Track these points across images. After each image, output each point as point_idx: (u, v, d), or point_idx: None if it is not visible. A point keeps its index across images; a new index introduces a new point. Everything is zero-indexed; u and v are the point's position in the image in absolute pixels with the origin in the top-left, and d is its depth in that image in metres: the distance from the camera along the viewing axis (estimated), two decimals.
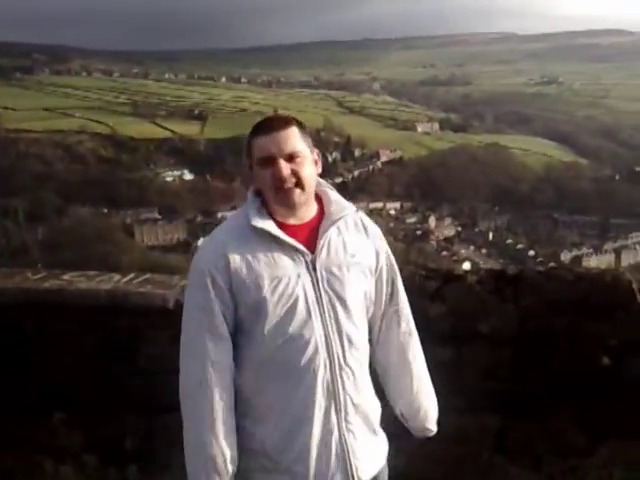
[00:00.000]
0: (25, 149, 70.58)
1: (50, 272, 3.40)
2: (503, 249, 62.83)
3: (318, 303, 1.85)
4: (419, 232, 64.69)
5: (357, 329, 1.93)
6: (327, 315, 1.86)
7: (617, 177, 77.37)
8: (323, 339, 1.85)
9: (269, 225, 1.86)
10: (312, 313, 1.84)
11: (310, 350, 1.83)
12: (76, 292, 3.13)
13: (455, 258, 55.16)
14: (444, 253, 58.60)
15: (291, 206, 1.88)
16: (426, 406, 2.11)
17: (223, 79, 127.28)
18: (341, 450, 1.88)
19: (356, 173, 77.83)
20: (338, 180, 76.80)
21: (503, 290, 2.91)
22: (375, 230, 2.04)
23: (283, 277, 1.82)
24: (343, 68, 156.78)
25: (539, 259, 53.58)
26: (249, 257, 1.83)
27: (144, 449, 3.14)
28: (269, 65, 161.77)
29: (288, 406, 1.85)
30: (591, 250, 60.17)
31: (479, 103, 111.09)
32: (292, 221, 1.90)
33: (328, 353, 1.86)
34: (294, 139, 1.89)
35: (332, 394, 1.87)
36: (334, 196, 1.97)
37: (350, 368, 1.89)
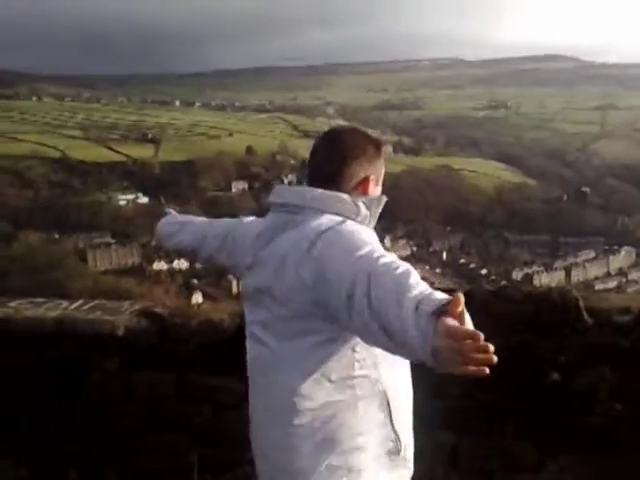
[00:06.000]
0: None
1: None
2: (457, 268, 63.83)
3: None
4: None
5: None
6: None
7: (565, 197, 79.56)
8: None
9: None
10: None
11: None
12: (21, 320, 3.05)
13: None
14: None
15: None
16: None
17: (177, 103, 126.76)
18: None
19: None
20: None
21: None
22: None
23: None
24: (296, 92, 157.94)
25: (492, 277, 54.60)
26: None
27: None
28: (223, 89, 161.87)
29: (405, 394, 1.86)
30: (542, 268, 61.58)
31: (430, 127, 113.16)
32: None
33: None
34: None
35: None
36: None
37: None
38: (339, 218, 1.73)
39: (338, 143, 1.85)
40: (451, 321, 1.26)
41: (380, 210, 1.87)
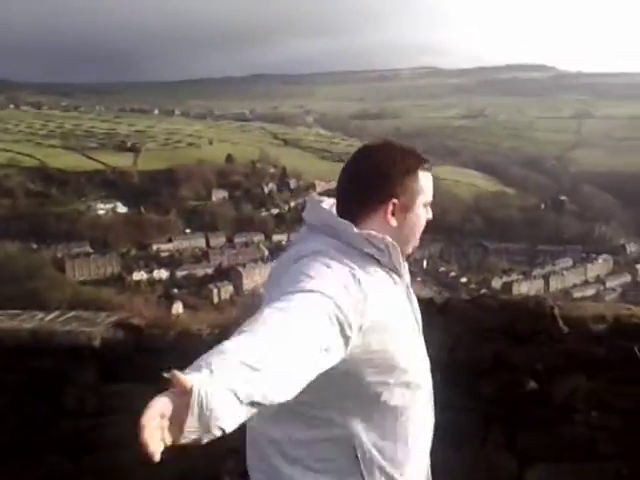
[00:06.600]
0: None
1: None
2: (437, 277, 64.13)
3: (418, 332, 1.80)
4: None
5: None
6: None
7: (542, 206, 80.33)
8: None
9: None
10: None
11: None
12: None
13: None
14: None
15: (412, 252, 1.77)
16: None
17: (156, 111, 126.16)
18: None
19: (292, 204, 78.12)
20: (275, 211, 77.00)
21: (431, 319, 2.95)
22: None
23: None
24: (276, 101, 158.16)
25: (472, 286, 55.01)
26: (386, 295, 1.60)
27: None
28: (203, 97, 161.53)
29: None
30: (521, 276, 62.12)
31: (409, 136, 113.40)
32: None
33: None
34: None
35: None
36: None
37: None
38: (323, 247, 1.58)
39: (361, 163, 1.71)
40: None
41: (400, 254, 1.63)
